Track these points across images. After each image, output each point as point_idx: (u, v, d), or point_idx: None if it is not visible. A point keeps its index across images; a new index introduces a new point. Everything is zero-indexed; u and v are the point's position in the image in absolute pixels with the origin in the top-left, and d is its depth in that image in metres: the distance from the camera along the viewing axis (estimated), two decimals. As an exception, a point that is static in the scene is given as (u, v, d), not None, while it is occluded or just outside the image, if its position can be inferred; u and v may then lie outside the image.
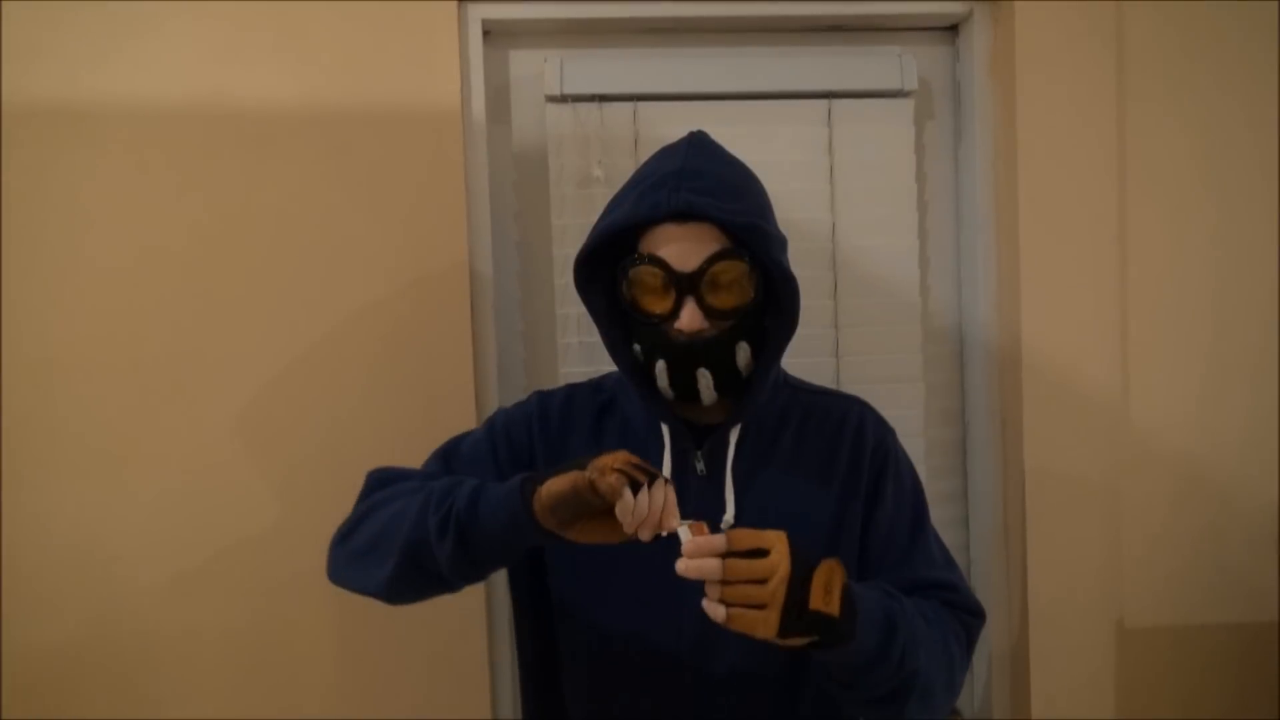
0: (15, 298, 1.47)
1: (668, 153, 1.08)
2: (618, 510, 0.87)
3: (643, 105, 1.58)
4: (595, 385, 1.20)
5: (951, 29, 1.71)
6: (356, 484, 1.51)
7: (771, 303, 1.06)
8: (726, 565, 0.86)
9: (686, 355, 1.02)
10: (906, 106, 1.64)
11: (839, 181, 1.63)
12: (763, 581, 0.86)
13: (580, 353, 1.59)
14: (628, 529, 0.88)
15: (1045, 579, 1.62)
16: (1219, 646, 1.68)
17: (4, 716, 1.46)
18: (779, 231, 1.07)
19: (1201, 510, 1.67)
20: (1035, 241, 1.60)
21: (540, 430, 1.14)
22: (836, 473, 1.10)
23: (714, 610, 0.87)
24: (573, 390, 1.19)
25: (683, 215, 1.00)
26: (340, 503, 1.50)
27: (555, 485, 0.89)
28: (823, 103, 1.62)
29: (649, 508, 0.87)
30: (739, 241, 1.02)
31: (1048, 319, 1.61)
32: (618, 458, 0.88)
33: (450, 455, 1.15)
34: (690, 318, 1.01)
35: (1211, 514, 1.67)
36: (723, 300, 1.02)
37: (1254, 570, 1.68)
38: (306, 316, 1.51)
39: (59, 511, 1.48)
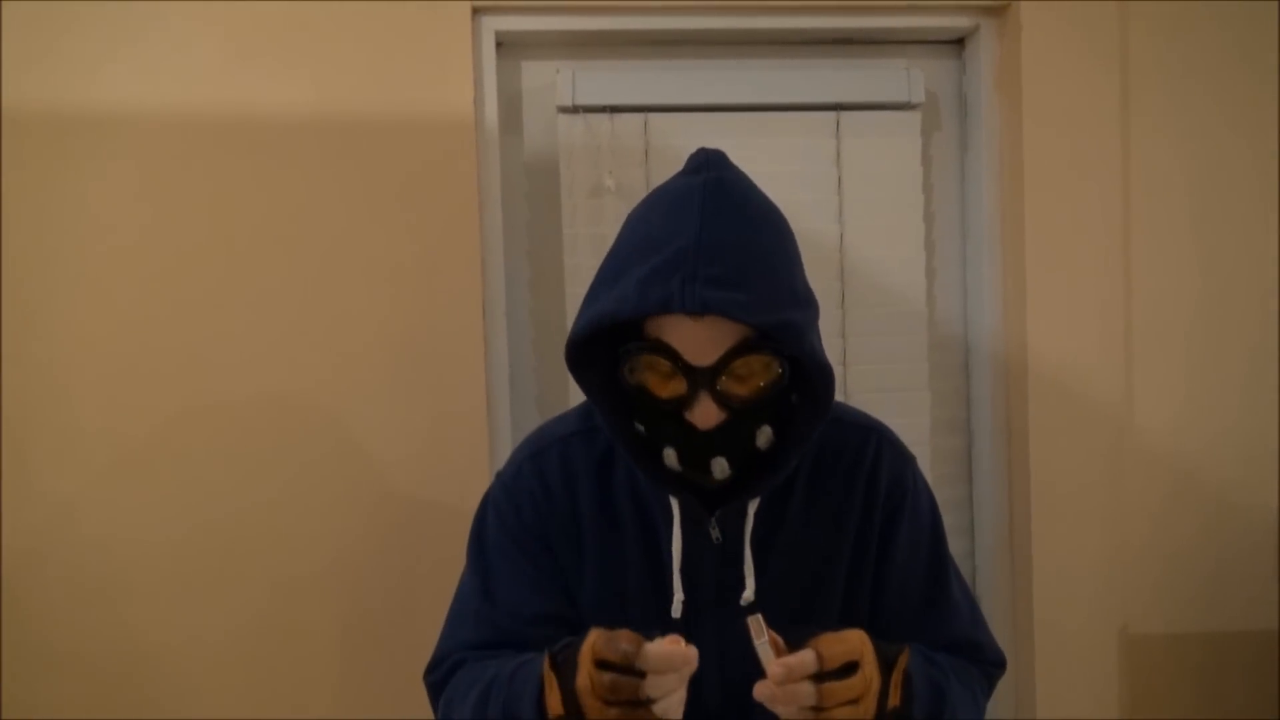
0: (18, 301, 1.47)
1: (680, 209, 0.89)
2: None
3: (653, 116, 1.60)
4: (587, 428, 1.04)
5: (958, 43, 1.73)
6: (363, 489, 1.52)
7: (800, 378, 0.93)
8: (823, 692, 0.78)
9: (701, 446, 0.91)
10: (913, 119, 1.66)
11: (847, 192, 1.65)
12: (855, 701, 0.79)
13: (590, 361, 1.61)
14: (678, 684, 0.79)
15: (1050, 586, 1.63)
16: (1222, 654, 1.69)
17: (4, 717, 1.46)
18: (808, 308, 0.92)
19: (1205, 519, 1.69)
20: (1040, 252, 1.62)
21: (548, 509, 1.01)
22: (850, 517, 1.01)
23: None
24: (565, 444, 1.03)
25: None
26: (345, 506, 1.52)
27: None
28: (831, 115, 1.64)
29: (667, 683, 0.77)
30: (764, 333, 0.87)
31: (1053, 329, 1.63)
32: (595, 689, 0.78)
33: (489, 586, 1.02)
34: (705, 415, 0.89)
35: (1215, 523, 1.69)
36: (744, 389, 0.90)
37: (1256, 578, 1.70)
38: (317, 323, 1.52)
39: (61, 512, 1.48)
